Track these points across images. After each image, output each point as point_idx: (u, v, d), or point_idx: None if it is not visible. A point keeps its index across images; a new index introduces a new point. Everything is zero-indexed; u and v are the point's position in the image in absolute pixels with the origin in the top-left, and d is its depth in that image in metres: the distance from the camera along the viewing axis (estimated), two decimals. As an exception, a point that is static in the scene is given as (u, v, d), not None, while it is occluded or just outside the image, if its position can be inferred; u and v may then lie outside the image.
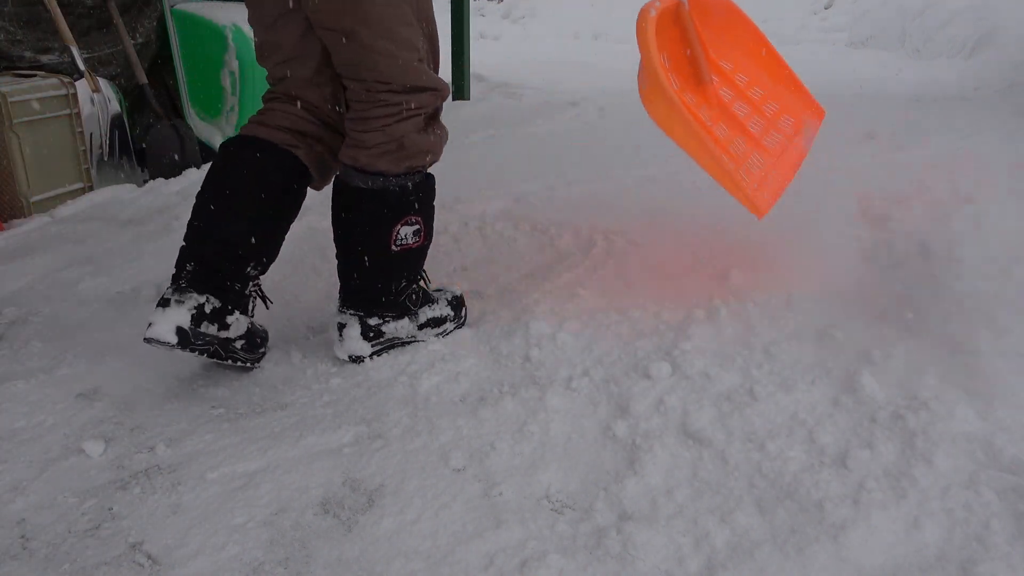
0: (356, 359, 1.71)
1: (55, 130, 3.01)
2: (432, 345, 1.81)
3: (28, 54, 3.24)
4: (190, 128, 3.64)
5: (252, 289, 1.68)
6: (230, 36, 3.54)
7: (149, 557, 1.22)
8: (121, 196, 3.14)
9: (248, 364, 1.70)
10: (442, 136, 1.67)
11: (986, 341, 1.61)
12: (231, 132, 3.67)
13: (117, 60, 3.60)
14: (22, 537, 1.27)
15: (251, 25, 1.66)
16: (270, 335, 1.91)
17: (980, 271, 1.90)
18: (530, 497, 1.33)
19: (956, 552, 1.17)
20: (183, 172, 3.47)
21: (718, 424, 1.47)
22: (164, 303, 1.54)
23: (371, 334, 1.70)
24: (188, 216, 1.68)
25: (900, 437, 1.39)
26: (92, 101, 3.23)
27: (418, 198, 1.64)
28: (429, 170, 1.70)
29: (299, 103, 1.64)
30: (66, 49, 3.18)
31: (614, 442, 1.46)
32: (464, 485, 1.36)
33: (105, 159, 3.32)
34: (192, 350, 1.55)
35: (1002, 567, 1.13)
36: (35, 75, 3.04)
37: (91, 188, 3.18)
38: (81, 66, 3.18)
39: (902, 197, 2.61)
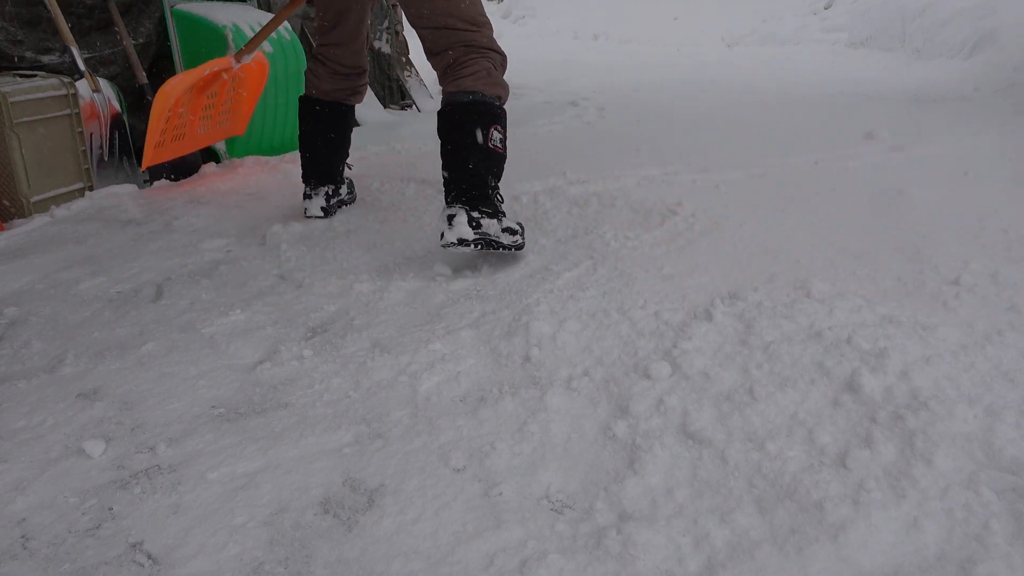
0: (462, 242, 2.14)
1: (55, 130, 3.00)
2: (432, 345, 1.81)
3: (29, 54, 3.24)
4: (190, 128, 3.64)
5: (342, 171, 2.82)
6: (230, 36, 3.54)
7: (149, 557, 1.22)
8: (121, 196, 3.14)
9: (352, 202, 2.92)
10: (508, 84, 2.27)
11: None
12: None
13: (117, 60, 3.60)
14: (22, 537, 1.27)
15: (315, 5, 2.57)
16: (273, 333, 1.92)
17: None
18: (530, 497, 1.33)
19: (956, 552, 1.17)
20: (185, 173, 3.48)
21: (718, 424, 1.47)
22: (308, 196, 2.75)
23: (473, 224, 2.14)
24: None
25: (900, 437, 1.39)
26: (92, 101, 3.23)
27: (502, 116, 2.22)
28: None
29: (338, 66, 2.64)
30: (66, 49, 3.18)
31: (614, 442, 1.46)
32: (464, 485, 1.36)
33: (105, 159, 3.31)
34: (330, 214, 2.75)
35: (1002, 567, 1.13)
36: (35, 75, 3.04)
37: (91, 188, 3.17)
38: (81, 66, 3.18)
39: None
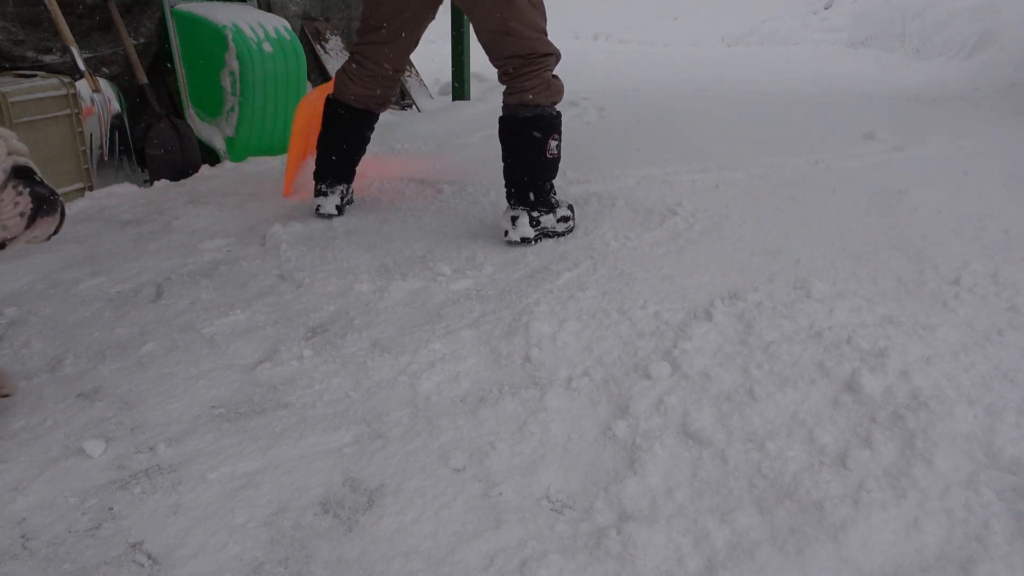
0: (525, 240, 2.43)
1: (55, 130, 3.01)
2: (432, 345, 1.81)
3: (30, 54, 3.24)
4: (190, 128, 3.64)
5: (354, 172, 2.85)
6: (230, 36, 3.54)
7: (149, 557, 1.22)
8: (121, 196, 3.14)
9: (351, 203, 2.90)
10: (563, 86, 2.49)
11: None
12: (231, 132, 3.67)
13: (117, 60, 3.60)
14: (22, 537, 1.27)
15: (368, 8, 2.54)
16: (273, 333, 1.92)
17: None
18: (530, 497, 1.33)
19: (956, 552, 1.17)
20: (185, 174, 3.49)
21: (718, 424, 1.47)
22: (323, 194, 2.75)
23: (534, 223, 2.44)
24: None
25: (900, 437, 1.39)
26: (92, 101, 3.23)
27: (558, 123, 2.45)
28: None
29: (376, 68, 2.61)
30: (67, 49, 3.18)
31: (614, 442, 1.46)
32: (464, 485, 1.36)
33: (105, 159, 3.31)
34: (342, 213, 2.78)
35: (1002, 567, 1.13)
36: (36, 75, 3.04)
37: (91, 188, 3.17)
38: (81, 66, 3.18)
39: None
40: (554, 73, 2.45)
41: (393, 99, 2.84)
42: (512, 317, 1.91)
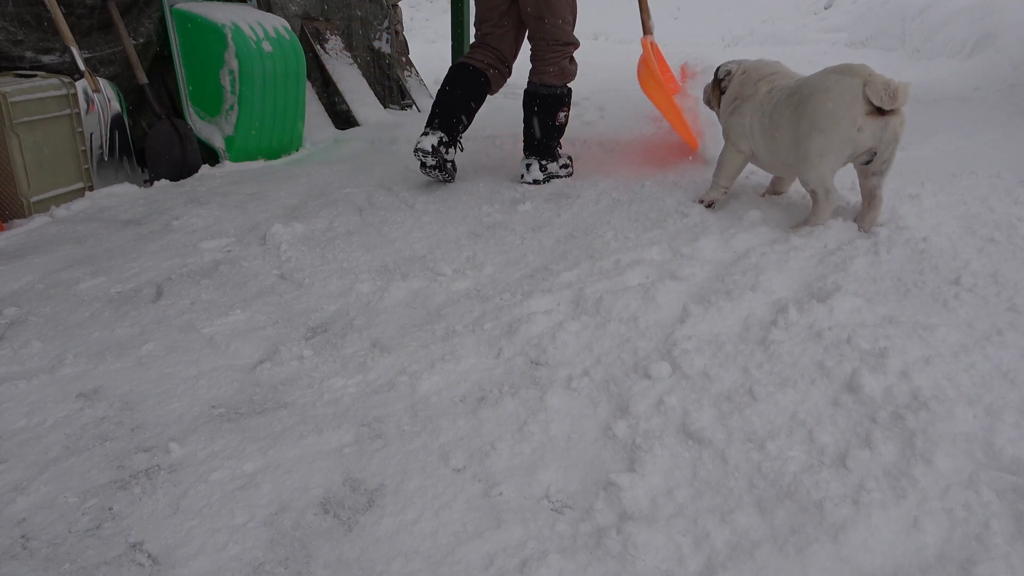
0: (536, 182, 3.12)
1: (55, 130, 3.01)
2: (432, 345, 1.81)
3: (29, 54, 3.24)
4: (190, 128, 3.64)
5: (459, 137, 3.18)
6: (230, 36, 3.54)
7: (149, 557, 1.22)
8: (121, 196, 3.14)
9: (448, 180, 3.20)
10: (576, 68, 3.22)
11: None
12: (230, 131, 3.67)
13: (117, 60, 3.60)
14: (22, 537, 1.27)
15: (478, 5, 3.19)
16: (273, 333, 1.92)
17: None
18: (530, 497, 1.33)
19: (956, 552, 1.17)
20: (185, 174, 3.49)
21: (718, 424, 1.47)
22: (426, 133, 3.10)
23: (542, 168, 3.16)
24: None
25: (900, 437, 1.39)
26: (93, 101, 3.23)
27: (567, 99, 3.20)
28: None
29: (493, 48, 3.20)
30: (67, 49, 3.18)
31: (614, 442, 1.46)
32: (464, 485, 1.36)
33: (105, 159, 3.31)
34: (436, 158, 3.06)
35: (1002, 567, 1.14)
36: (36, 75, 3.04)
37: (91, 188, 3.18)
38: (81, 66, 3.18)
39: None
40: (571, 57, 3.12)
41: (501, 83, 3.29)
42: (512, 317, 1.91)
